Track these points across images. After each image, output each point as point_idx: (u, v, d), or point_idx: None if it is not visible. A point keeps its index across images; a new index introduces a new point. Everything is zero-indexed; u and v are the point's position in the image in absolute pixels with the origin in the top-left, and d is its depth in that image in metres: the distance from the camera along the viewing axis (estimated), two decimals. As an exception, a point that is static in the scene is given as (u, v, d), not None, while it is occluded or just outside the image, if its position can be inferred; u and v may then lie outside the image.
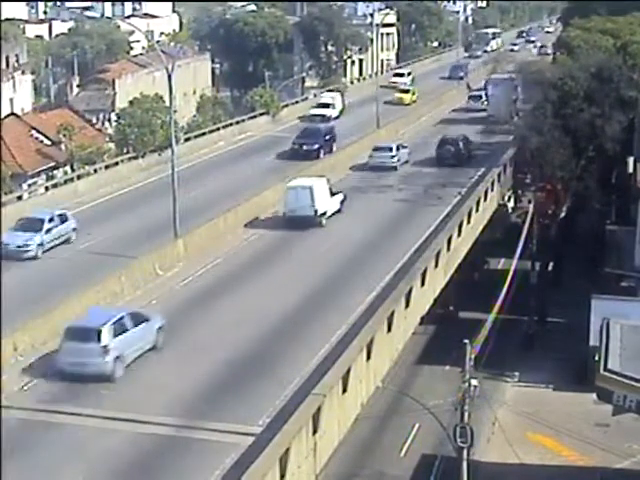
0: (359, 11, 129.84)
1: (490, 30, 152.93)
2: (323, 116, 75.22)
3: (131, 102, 66.53)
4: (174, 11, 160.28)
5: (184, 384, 27.87)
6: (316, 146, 61.31)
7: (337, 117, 76.81)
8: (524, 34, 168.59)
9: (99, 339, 28.04)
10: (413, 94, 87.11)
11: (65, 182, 54.59)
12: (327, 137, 63.14)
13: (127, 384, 28.03)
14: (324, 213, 45.19)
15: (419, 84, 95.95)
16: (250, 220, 45.89)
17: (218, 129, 69.84)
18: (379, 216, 47.35)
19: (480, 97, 79.92)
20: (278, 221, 45.76)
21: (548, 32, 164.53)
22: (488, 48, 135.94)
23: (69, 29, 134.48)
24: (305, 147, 61.24)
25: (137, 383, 28.21)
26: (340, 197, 47.31)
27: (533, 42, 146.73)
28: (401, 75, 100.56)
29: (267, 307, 34.25)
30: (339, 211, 46.71)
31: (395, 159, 57.90)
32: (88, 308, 31.01)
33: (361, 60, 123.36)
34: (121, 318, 29.05)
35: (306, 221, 44.36)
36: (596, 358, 30.26)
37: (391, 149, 58.30)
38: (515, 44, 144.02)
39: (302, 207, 44.38)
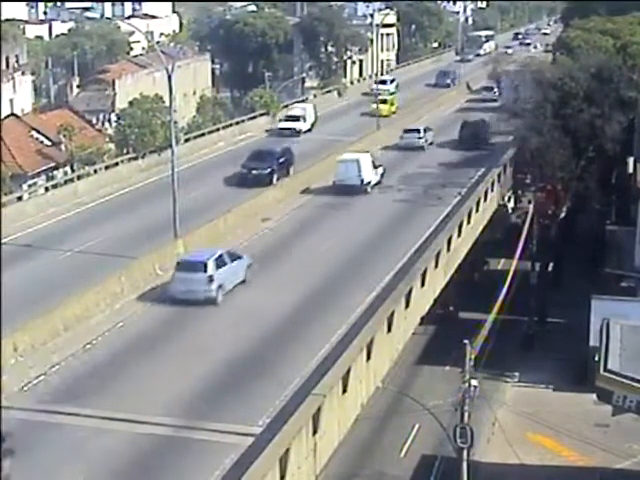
0: (359, 11, 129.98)
1: (483, 33, 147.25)
2: (293, 129, 69.36)
3: (131, 102, 66.56)
4: (174, 11, 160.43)
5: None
6: (268, 170, 53.65)
7: (309, 130, 71.29)
8: (520, 36, 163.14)
9: (205, 270, 34.38)
10: (392, 105, 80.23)
11: (65, 183, 54.58)
12: (281, 160, 55.33)
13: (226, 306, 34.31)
14: (369, 182, 51.80)
15: (403, 92, 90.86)
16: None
17: (218, 129, 69.85)
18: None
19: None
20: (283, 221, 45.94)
21: (545, 34, 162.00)
22: (481, 51, 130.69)
23: (69, 30, 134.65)
24: (255, 172, 53.51)
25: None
26: (381, 170, 54.13)
27: (528, 45, 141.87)
28: (384, 82, 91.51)
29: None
30: (379, 183, 53.14)
31: (422, 140, 63.91)
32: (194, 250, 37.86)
33: (361, 60, 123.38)
34: (221, 255, 35.51)
35: (354, 189, 50.99)
36: (596, 358, 30.27)
37: (419, 131, 64.80)
38: (509, 47, 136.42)
39: (350, 177, 51.35)
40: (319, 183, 52.85)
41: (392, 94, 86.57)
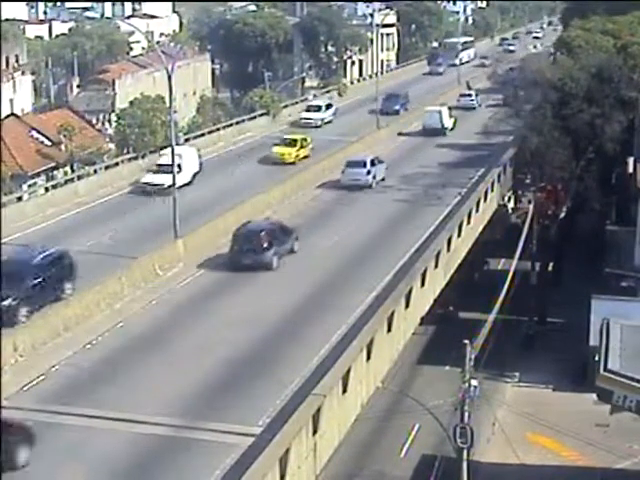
0: (359, 11, 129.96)
1: (461, 39, 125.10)
2: (159, 186, 50.10)
3: (131, 102, 66.54)
4: (174, 11, 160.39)
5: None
6: None
7: (188, 184, 52.10)
8: (505, 42, 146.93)
9: (365, 166, 52.43)
10: (302, 147, 60.64)
11: (65, 182, 54.53)
12: None
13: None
14: (447, 127, 68.78)
15: (340, 121, 74.69)
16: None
17: (218, 129, 69.79)
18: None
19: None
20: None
21: (536, 37, 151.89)
22: (457, 61, 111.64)
23: (69, 29, 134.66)
24: None
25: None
26: (453, 119, 69.91)
27: (512, 52, 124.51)
28: (317, 109, 75.10)
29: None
30: (453, 128, 69.10)
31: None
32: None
33: (361, 60, 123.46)
34: (373, 159, 53.68)
35: (437, 132, 67.81)
36: (596, 358, 30.28)
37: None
38: (485, 57, 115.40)
39: (434, 122, 68.45)
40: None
41: (327, 122, 73.77)
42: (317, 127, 72.14)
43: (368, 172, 52.81)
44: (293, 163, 58.52)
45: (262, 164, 58.86)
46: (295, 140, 61.18)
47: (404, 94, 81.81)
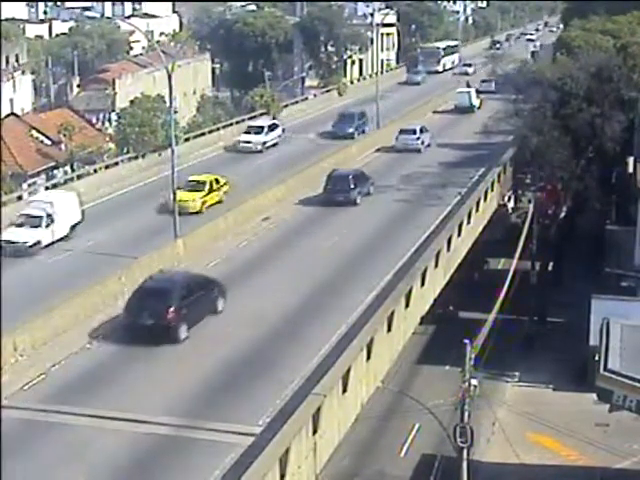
0: (359, 11, 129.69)
1: (442, 44, 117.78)
2: (21, 242, 40.45)
3: (132, 102, 66.54)
4: (174, 11, 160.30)
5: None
6: None
7: (61, 239, 42.23)
8: (497, 45, 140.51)
9: (415, 133, 61.73)
10: (212, 191, 48.52)
11: (65, 182, 54.58)
12: None
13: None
14: (475, 105, 77.50)
15: (284, 146, 64.33)
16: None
17: (218, 129, 69.81)
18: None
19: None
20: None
21: (530, 40, 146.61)
22: (439, 68, 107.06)
23: (69, 29, 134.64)
24: None
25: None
26: (480, 100, 78.48)
27: (500, 54, 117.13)
28: (259, 130, 63.77)
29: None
30: (479, 107, 76.66)
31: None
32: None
33: (361, 60, 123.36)
34: (422, 126, 63.28)
35: (467, 109, 77.09)
36: (596, 358, 30.28)
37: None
38: (469, 65, 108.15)
39: (464, 101, 78.12)
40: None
41: (273, 145, 63.75)
42: (258, 152, 61.87)
43: (417, 138, 62.03)
44: (199, 212, 46.67)
45: (158, 216, 45.74)
46: (202, 182, 48.54)
47: (360, 113, 69.63)
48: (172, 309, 30.48)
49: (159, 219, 44.04)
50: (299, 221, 46.19)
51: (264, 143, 62.99)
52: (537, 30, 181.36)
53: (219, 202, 48.56)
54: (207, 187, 48.40)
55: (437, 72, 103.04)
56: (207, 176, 49.69)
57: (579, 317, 45.80)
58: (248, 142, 62.42)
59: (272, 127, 65.08)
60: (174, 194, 40.65)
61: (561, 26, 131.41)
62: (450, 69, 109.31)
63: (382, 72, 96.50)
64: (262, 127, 64.20)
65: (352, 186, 48.24)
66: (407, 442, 41.51)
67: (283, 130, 66.18)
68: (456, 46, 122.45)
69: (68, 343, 30.82)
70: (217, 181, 49.49)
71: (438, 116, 77.57)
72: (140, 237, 42.14)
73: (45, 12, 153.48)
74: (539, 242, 54.93)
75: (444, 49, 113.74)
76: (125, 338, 30.65)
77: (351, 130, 66.98)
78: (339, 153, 58.97)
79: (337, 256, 40.26)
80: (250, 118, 71.36)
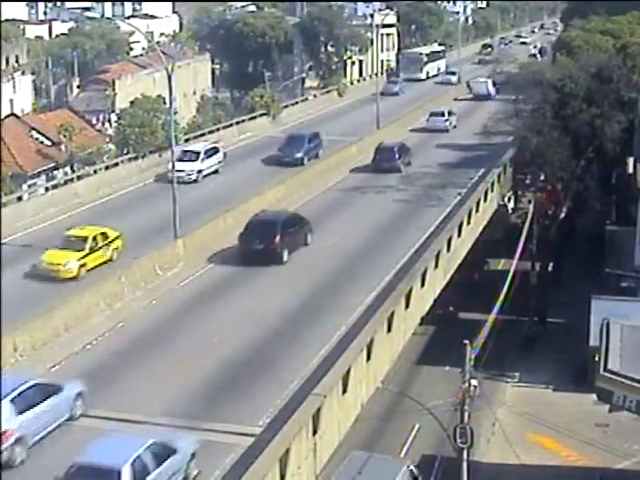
0: (359, 11, 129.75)
1: (425, 49, 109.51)
2: None
3: (132, 102, 66.58)
4: (174, 12, 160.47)
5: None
6: None
7: None
8: (488, 49, 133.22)
9: (444, 115, 71.13)
10: (95, 249, 38.80)
11: (65, 183, 54.53)
12: None
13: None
14: (491, 94, 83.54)
15: (228, 174, 55.56)
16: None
17: (218, 130, 69.81)
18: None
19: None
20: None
21: (524, 43, 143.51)
22: (422, 75, 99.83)
23: (69, 29, 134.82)
24: None
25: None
26: (495, 89, 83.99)
27: (488, 63, 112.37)
28: (194, 157, 54.23)
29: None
30: (494, 97, 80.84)
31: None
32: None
33: (361, 61, 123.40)
34: (450, 111, 71.57)
35: (484, 97, 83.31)
36: (596, 358, 30.30)
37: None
38: (452, 72, 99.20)
39: (482, 90, 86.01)
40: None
41: (213, 173, 54.95)
42: (192, 182, 52.50)
43: (446, 120, 71.28)
44: (75, 278, 37.23)
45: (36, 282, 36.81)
46: (83, 238, 38.80)
47: (312, 135, 60.46)
48: (278, 237, 38.67)
49: (159, 220, 43.80)
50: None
51: (200, 172, 53.77)
52: (533, 32, 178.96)
53: (108, 261, 39.30)
54: (89, 245, 38.54)
55: (420, 80, 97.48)
56: (91, 229, 39.83)
57: (579, 317, 45.78)
58: (181, 170, 50.11)
59: (211, 152, 55.72)
60: (174, 196, 40.57)
61: (558, 28, 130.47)
62: (435, 76, 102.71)
63: (382, 73, 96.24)
64: (198, 153, 54.66)
65: (397, 156, 56.63)
66: (407, 442, 41.49)
67: (225, 155, 56.93)
68: (442, 51, 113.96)
69: (69, 343, 30.88)
70: (104, 235, 39.73)
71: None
72: (140, 237, 42.10)
73: (45, 13, 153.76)
74: (539, 242, 54.92)
75: (428, 55, 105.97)
76: (239, 262, 38.58)
77: (299, 155, 57.98)
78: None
79: (337, 257, 40.34)
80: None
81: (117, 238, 40.30)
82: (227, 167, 56.61)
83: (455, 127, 71.06)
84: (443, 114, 71.92)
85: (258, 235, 38.93)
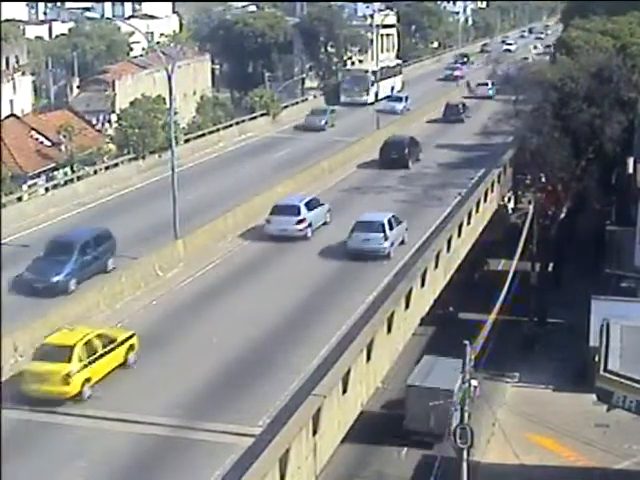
0: (359, 12, 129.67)
1: (375, 67, 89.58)
2: None
3: (132, 103, 66.52)
4: (174, 12, 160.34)
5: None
6: None
7: None
8: (463, 59, 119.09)
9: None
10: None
11: (65, 183, 54.56)
12: None
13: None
14: (492, 95, 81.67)
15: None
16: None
17: (218, 130, 69.81)
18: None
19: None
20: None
21: (508, 50, 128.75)
22: (369, 98, 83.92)
23: (69, 30, 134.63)
24: None
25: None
26: (494, 89, 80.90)
27: (456, 79, 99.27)
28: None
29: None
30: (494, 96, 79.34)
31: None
32: None
33: (361, 61, 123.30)
34: None
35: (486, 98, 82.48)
36: (596, 359, 30.31)
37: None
38: (398, 99, 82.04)
39: (485, 90, 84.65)
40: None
41: None
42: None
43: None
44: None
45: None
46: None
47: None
48: (407, 150, 58.42)
49: (158, 221, 43.79)
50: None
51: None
52: (522, 37, 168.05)
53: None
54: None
55: (366, 104, 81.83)
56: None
57: (579, 318, 45.81)
58: None
59: None
60: (174, 196, 40.57)
61: (549, 32, 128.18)
62: (388, 97, 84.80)
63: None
64: None
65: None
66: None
67: None
68: (397, 66, 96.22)
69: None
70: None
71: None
72: (140, 238, 42.11)
73: (45, 13, 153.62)
74: (539, 243, 54.92)
75: (374, 73, 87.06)
76: (379, 167, 57.35)
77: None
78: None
79: (338, 257, 40.36)
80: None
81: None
82: (227, 167, 56.84)
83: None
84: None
85: (394, 149, 58.11)
